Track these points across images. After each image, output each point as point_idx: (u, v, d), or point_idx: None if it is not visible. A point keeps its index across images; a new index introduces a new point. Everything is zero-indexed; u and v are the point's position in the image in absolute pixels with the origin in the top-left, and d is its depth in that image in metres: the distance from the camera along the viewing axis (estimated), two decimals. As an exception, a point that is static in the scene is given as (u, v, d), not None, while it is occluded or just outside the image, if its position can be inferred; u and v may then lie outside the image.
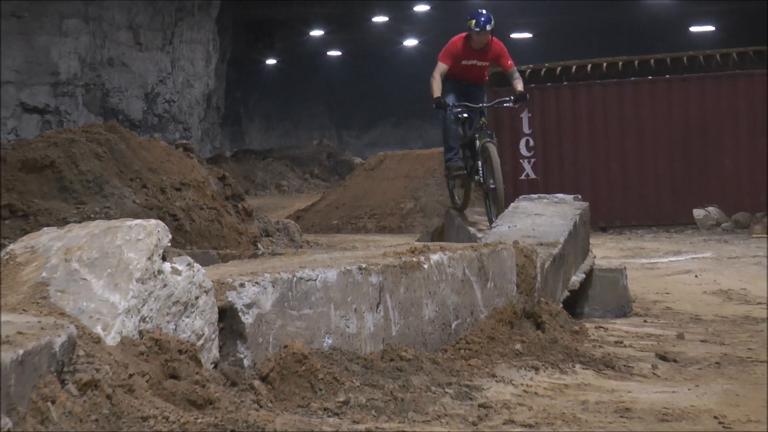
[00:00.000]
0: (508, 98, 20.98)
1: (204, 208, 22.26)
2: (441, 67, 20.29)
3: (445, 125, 24.23)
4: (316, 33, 77.47)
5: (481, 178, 22.05)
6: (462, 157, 23.44)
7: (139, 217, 20.56)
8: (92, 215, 21.23)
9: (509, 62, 20.85)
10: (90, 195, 21.79)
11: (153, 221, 7.78)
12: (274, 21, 67.71)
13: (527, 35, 79.45)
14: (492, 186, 21.69)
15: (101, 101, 44.03)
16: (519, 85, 20.82)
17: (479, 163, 22.01)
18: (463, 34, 21.27)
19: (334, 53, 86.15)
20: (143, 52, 45.96)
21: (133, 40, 45.84)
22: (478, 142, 21.88)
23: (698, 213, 30.71)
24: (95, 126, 26.57)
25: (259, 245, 22.17)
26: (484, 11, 20.51)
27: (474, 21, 19.43)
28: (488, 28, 19.46)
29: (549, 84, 33.80)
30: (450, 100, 21.62)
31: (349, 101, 79.27)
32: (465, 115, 22.13)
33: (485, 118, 21.97)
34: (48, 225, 20.24)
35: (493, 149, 19.91)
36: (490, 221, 20.60)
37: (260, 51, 73.06)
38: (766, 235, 27.50)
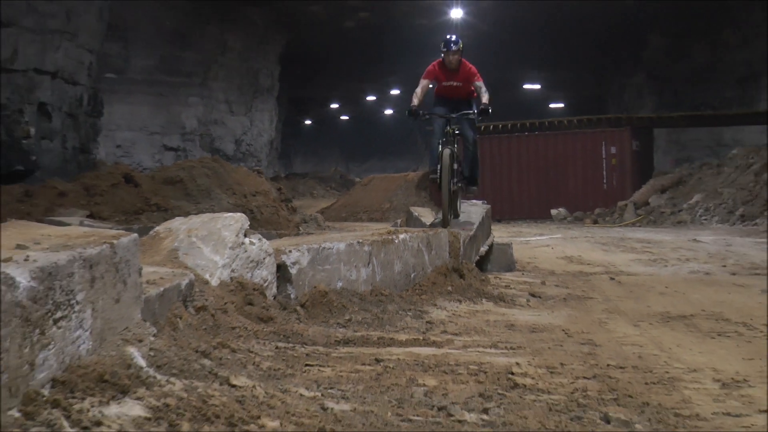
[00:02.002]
0: (472, 111, 15.54)
1: (268, 206, 22.26)
2: (420, 82, 15.69)
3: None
4: (334, 105, 79.21)
5: (437, 179, 15.76)
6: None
7: (230, 212, 20.82)
8: (204, 210, 21.25)
9: (476, 78, 15.71)
10: (203, 198, 21.87)
11: (239, 214, 7.86)
12: (309, 98, 68.60)
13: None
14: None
15: (210, 144, 44.29)
16: (484, 98, 15.48)
17: (439, 167, 15.88)
18: (439, 59, 16.18)
19: (344, 117, 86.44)
20: (234, 116, 46.29)
21: (228, 109, 46.09)
22: (440, 148, 15.84)
23: (554, 211, 31.00)
24: (206, 158, 26.67)
25: (300, 228, 22.20)
26: (453, 35, 16.13)
27: (443, 43, 15.31)
28: (454, 48, 15.21)
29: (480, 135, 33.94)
30: (438, 111, 16.00)
31: (353, 145, 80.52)
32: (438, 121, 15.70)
33: (456, 127, 15.55)
34: (178, 216, 20.22)
35: (445, 154, 14.34)
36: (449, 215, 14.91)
37: (301, 115, 74.68)
38: (591, 224, 27.88)
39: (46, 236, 4.70)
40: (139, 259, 5.05)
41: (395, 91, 72.60)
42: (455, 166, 14.14)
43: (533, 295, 10.03)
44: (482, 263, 12.62)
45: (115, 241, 4.62)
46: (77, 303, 4.01)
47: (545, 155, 32.98)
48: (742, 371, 5.75)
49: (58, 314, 3.82)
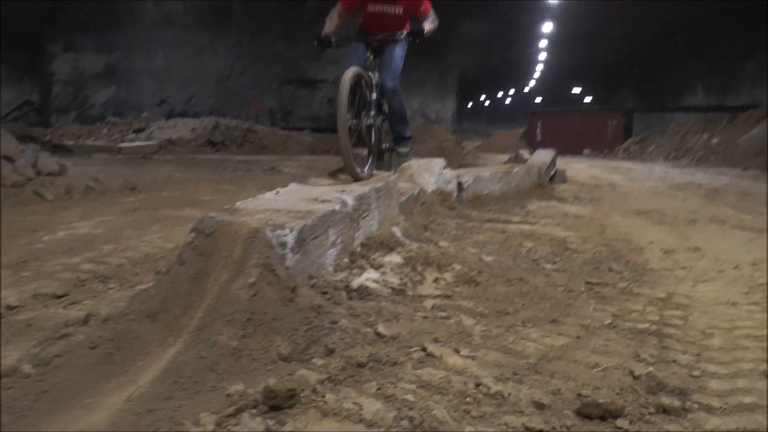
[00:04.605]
0: (400, 32, 6.04)
1: (450, 145, 21.82)
2: (336, 6, 6.00)
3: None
4: (482, 97, 74.80)
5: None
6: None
7: (432, 152, 19.85)
8: (422, 148, 20.97)
9: (422, 7, 6.17)
10: (422, 142, 21.37)
11: (441, 158, 7.65)
12: (471, 93, 65.29)
13: (539, 99, 70.84)
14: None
15: (424, 116, 43.16)
16: (426, 25, 6.12)
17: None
18: None
19: (487, 102, 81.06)
20: (435, 102, 44.97)
21: (432, 100, 44.78)
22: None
23: (585, 151, 29.57)
24: (423, 123, 26.25)
25: (465, 156, 21.70)
26: None
27: None
28: None
29: (545, 114, 32.93)
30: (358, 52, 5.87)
31: (491, 116, 75.56)
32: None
33: (372, 57, 5.83)
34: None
35: (346, 75, 4.75)
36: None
37: (466, 101, 69.95)
38: (603, 158, 26.73)
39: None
40: (398, 185, 5.04)
41: (511, 91, 69.92)
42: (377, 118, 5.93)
43: (575, 197, 9.39)
44: (551, 180, 11.90)
45: (389, 179, 4.63)
46: (372, 209, 4.04)
47: (581, 123, 31.76)
48: (673, 245, 5.50)
49: (364, 215, 3.86)
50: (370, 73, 4.99)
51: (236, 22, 25.84)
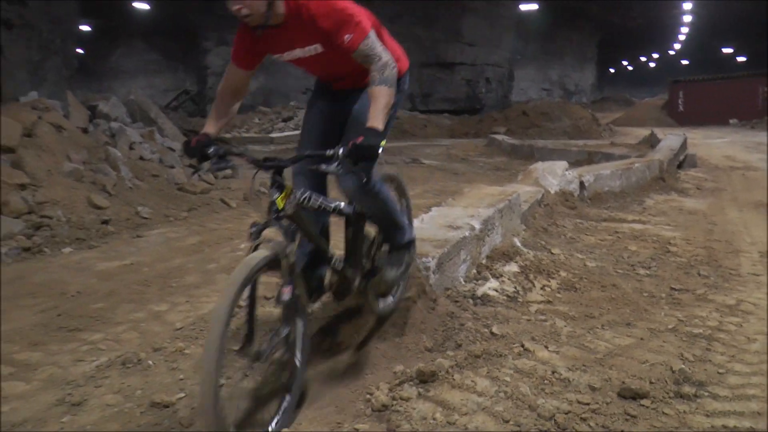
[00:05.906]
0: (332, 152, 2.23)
1: (586, 123, 22.01)
2: (226, 73, 2.71)
3: None
4: (624, 62, 71.88)
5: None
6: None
7: (567, 131, 19.97)
8: (557, 126, 21.36)
9: (346, 36, 2.31)
10: (556, 120, 21.76)
11: (563, 162, 8.43)
12: (611, 60, 62.87)
13: (686, 61, 67.75)
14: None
15: (562, 86, 42.55)
16: (378, 95, 2.20)
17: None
18: None
19: (629, 68, 76.95)
20: (574, 72, 44.17)
21: (572, 70, 43.96)
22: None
23: (732, 120, 28.65)
24: (559, 101, 26.47)
25: (602, 134, 21.79)
26: None
27: None
28: None
29: (687, 82, 32.09)
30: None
31: (636, 83, 72.61)
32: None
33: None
34: (544, 128, 20.32)
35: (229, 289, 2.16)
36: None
37: (607, 68, 67.03)
38: (750, 128, 25.73)
39: (485, 195, 5.71)
40: (520, 202, 5.94)
41: (655, 54, 66.93)
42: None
43: (698, 187, 9.62)
44: (680, 165, 11.76)
45: (510, 198, 5.60)
46: (495, 226, 5.03)
47: (727, 90, 30.31)
48: (774, 245, 5.91)
49: (489, 233, 4.86)
50: (289, 249, 2.55)
51: (375, 8, 27.21)
